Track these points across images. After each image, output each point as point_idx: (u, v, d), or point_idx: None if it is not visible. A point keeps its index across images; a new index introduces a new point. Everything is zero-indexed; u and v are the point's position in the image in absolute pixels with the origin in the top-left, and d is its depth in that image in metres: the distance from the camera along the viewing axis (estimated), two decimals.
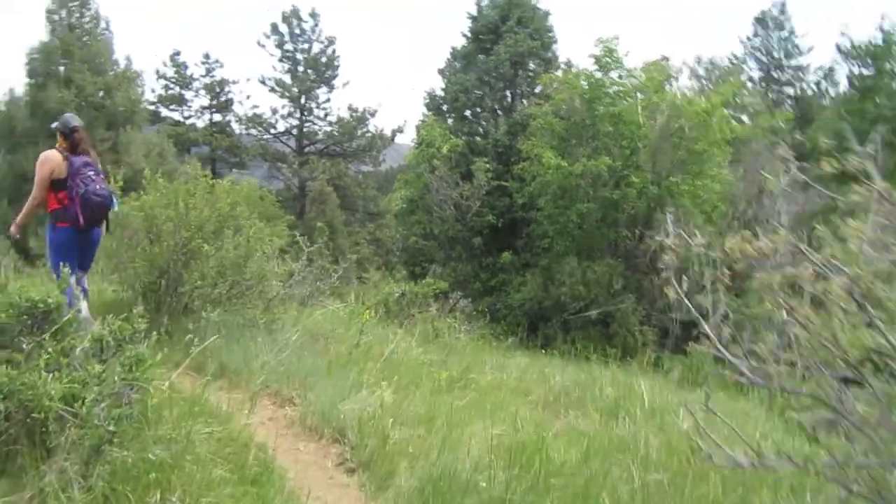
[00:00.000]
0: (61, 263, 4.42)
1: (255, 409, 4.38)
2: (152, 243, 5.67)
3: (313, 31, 36.71)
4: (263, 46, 35.95)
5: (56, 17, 20.19)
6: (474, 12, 18.07)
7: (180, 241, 5.55)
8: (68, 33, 20.09)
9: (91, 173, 5.27)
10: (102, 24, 21.16)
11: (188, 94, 37.05)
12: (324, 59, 36.74)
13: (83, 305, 5.02)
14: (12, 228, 5.76)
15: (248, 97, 45.75)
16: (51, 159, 5.28)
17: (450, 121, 17.53)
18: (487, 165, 15.40)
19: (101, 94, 20.57)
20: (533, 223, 15.24)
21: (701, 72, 26.29)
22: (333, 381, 4.76)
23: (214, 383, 4.95)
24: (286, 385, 4.74)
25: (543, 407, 5.91)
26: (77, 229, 5.19)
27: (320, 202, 33.21)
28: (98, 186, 5.24)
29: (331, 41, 36.87)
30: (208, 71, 37.36)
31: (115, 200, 5.37)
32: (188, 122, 37.10)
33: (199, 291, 5.58)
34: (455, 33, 21.37)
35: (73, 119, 5.58)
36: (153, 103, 35.65)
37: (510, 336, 13.89)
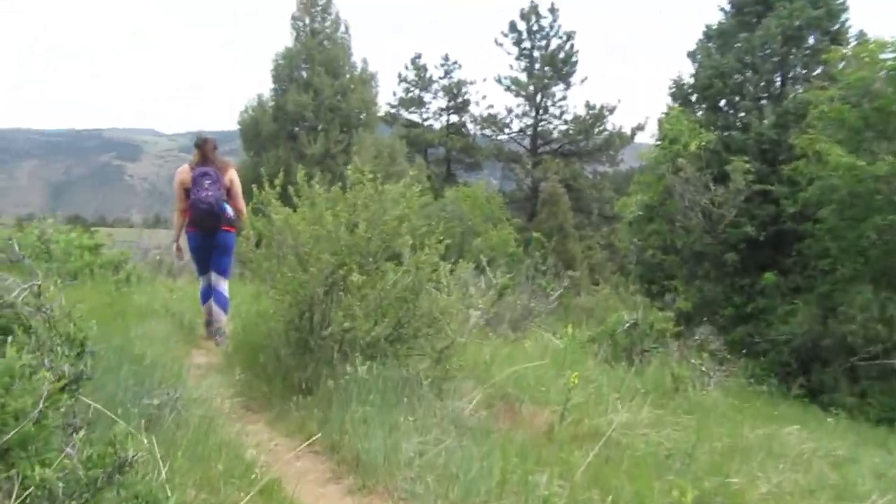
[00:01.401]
0: (195, 263, 6.17)
1: None
2: (302, 268, 4.40)
3: (552, 26, 35.40)
4: (501, 45, 35.41)
5: (300, 24, 21.01)
6: None
7: (327, 269, 4.21)
8: (310, 38, 20.78)
9: (207, 182, 5.64)
10: (342, 28, 21.64)
11: (427, 97, 37.72)
12: (561, 56, 35.22)
13: (220, 315, 5.84)
14: (174, 250, 6.43)
15: (483, 97, 45.57)
16: (181, 172, 5.89)
17: (699, 113, 14.83)
18: (747, 165, 12.56)
19: (338, 97, 20.99)
20: (808, 238, 12.09)
21: None
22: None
23: (343, 479, 3.50)
24: (438, 501, 3.12)
25: None
26: (198, 233, 5.77)
27: (552, 204, 31.63)
28: (205, 194, 5.59)
29: (569, 36, 35.27)
30: (447, 73, 37.76)
31: (224, 207, 5.68)
32: (426, 123, 37.75)
33: (349, 335, 4.18)
34: (710, 9, 18.44)
35: (205, 134, 6.15)
36: (394, 106, 36.80)
37: (770, 377, 11.09)
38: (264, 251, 4.76)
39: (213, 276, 5.92)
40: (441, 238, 4.72)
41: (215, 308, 5.91)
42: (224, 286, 5.94)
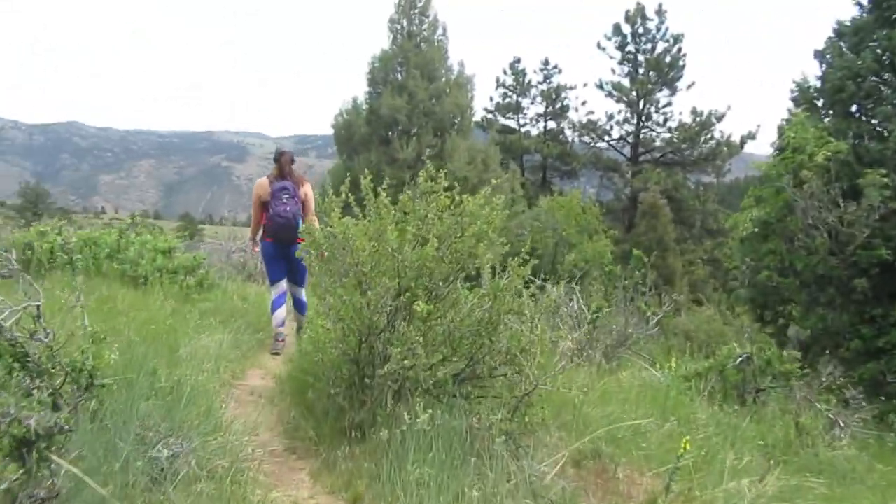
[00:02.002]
0: (269, 272, 6.29)
1: None
2: (360, 291, 3.76)
3: (658, 29, 33.78)
4: (603, 49, 34.11)
5: (397, 27, 20.68)
6: None
7: (387, 294, 3.54)
8: (406, 41, 20.41)
9: (285, 197, 5.92)
10: (439, 31, 21.16)
11: (525, 102, 36.91)
12: (667, 60, 33.53)
13: (300, 318, 6.32)
14: (250, 246, 7.22)
15: (583, 103, 44.03)
16: (259, 185, 6.14)
17: (827, 119, 13.28)
18: (885, 179, 11.02)
19: (432, 100, 20.50)
20: None
21: None
22: None
23: None
24: None
25: None
26: (275, 244, 5.99)
27: (651, 216, 30.10)
28: (283, 209, 5.88)
29: (676, 39, 33.54)
30: (546, 77, 36.85)
31: (300, 222, 5.79)
32: (523, 129, 36.92)
33: (411, 373, 3.49)
34: (841, 4, 16.69)
35: (283, 147, 6.44)
36: (490, 111, 36.18)
37: None
38: (325, 267, 4.14)
39: (292, 287, 6.26)
40: (527, 258, 3.96)
41: (295, 312, 6.41)
42: (303, 293, 6.34)
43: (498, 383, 3.81)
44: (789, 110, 14.01)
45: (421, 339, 3.35)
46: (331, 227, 4.03)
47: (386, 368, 3.42)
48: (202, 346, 5.04)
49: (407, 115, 19.96)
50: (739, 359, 7.73)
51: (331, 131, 21.69)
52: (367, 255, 3.66)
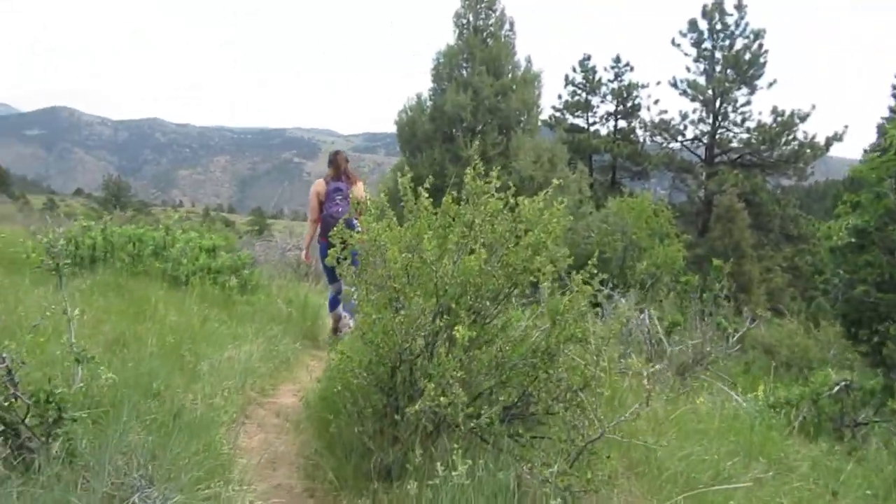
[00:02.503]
0: (325, 271, 6.67)
1: None
2: (395, 308, 3.19)
3: (737, 24, 31.98)
4: (678, 46, 32.58)
5: (463, 21, 20.08)
6: None
7: (422, 314, 2.94)
8: (472, 36, 19.78)
9: (338, 198, 6.06)
10: (506, 26, 20.41)
11: (595, 100, 35.73)
12: (747, 57, 31.72)
13: (347, 319, 6.25)
14: (303, 256, 7.31)
15: (655, 102, 42.31)
16: (317, 185, 6.29)
17: None
18: None
19: (498, 97, 19.81)
20: None
21: None
22: None
23: None
24: None
25: None
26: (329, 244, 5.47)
27: (727, 220, 28.51)
28: (336, 210, 6.00)
29: (757, 35, 31.65)
30: (617, 75, 35.55)
31: (353, 222, 5.28)
32: (592, 128, 35.77)
33: (449, 411, 2.88)
34: None
35: (338, 148, 6.34)
36: (559, 110, 35.20)
37: None
38: (358, 277, 3.58)
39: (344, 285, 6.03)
40: (593, 272, 3.30)
41: (344, 312, 6.34)
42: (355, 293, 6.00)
43: (555, 425, 3.16)
44: (890, 108, 12.74)
45: (460, 372, 2.74)
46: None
47: (417, 406, 2.81)
48: (228, 357, 4.57)
49: (471, 112, 19.33)
50: (837, 387, 6.83)
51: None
52: (399, 268, 3.07)
